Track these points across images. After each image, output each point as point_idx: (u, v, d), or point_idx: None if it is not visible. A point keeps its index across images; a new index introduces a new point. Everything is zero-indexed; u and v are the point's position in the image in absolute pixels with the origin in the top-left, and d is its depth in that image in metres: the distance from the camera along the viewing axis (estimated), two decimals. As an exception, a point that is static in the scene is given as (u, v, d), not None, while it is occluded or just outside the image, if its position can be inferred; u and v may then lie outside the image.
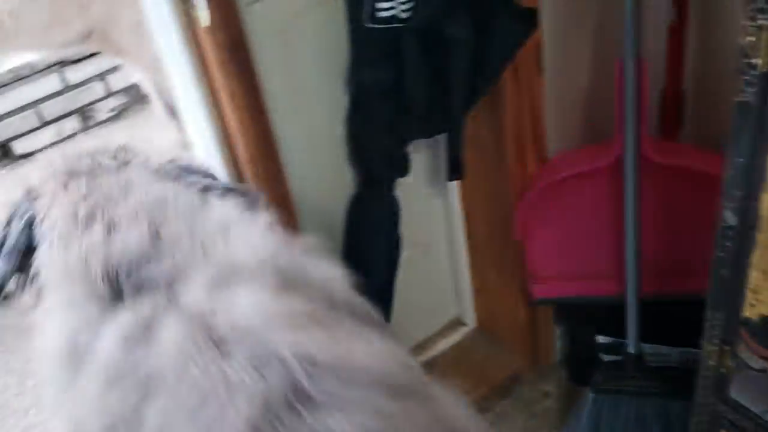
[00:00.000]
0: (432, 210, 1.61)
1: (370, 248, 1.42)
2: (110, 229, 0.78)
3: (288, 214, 1.25)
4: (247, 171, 1.17)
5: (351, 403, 0.62)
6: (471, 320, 1.78)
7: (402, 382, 0.68)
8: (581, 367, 1.64)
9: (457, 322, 1.80)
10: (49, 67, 3.08)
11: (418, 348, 1.74)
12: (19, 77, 3.00)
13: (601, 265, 1.46)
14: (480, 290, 1.72)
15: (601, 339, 1.58)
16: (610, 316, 1.50)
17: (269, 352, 0.63)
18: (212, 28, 1.03)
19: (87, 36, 2.47)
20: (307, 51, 1.24)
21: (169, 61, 1.18)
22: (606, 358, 1.58)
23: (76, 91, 3.14)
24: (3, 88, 3.02)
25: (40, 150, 3.10)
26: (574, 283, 1.49)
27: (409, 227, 1.44)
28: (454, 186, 1.58)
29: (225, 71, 1.06)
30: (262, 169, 1.17)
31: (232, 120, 1.12)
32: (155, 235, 0.77)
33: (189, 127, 1.25)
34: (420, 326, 1.75)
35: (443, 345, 1.77)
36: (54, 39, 2.48)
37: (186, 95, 1.18)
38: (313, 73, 1.27)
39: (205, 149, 1.23)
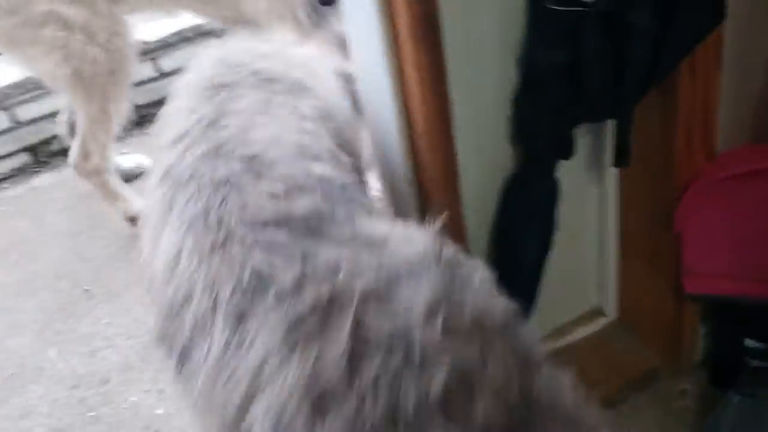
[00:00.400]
0: (586, 195, 1.61)
1: (524, 228, 1.44)
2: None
3: (453, 189, 1.29)
4: (422, 142, 1.22)
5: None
6: (611, 311, 1.77)
7: None
8: (725, 369, 1.61)
9: (596, 312, 1.80)
10: (212, 32, 3.25)
11: (555, 333, 1.75)
12: (184, 39, 3.18)
13: (762, 266, 1.42)
14: (625, 281, 1.71)
15: (750, 343, 1.54)
16: (763, 320, 1.46)
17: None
18: (409, 1, 1.07)
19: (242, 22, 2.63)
20: (485, 27, 1.27)
21: (357, 30, 1.24)
22: (754, 363, 1.54)
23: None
24: (169, 47, 3.22)
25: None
26: (731, 281, 1.46)
27: (560, 210, 1.45)
28: (613, 172, 1.57)
29: (415, 44, 1.11)
30: (435, 142, 1.21)
31: (415, 93, 1.17)
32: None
33: (367, 97, 1.31)
34: (558, 312, 1.75)
35: (580, 333, 1.77)
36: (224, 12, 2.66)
37: (370, 67, 1.24)
38: (488, 50, 1.30)
39: (381, 119, 1.28)
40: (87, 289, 2.51)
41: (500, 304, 0.89)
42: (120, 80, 2.43)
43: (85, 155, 2.53)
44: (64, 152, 3.00)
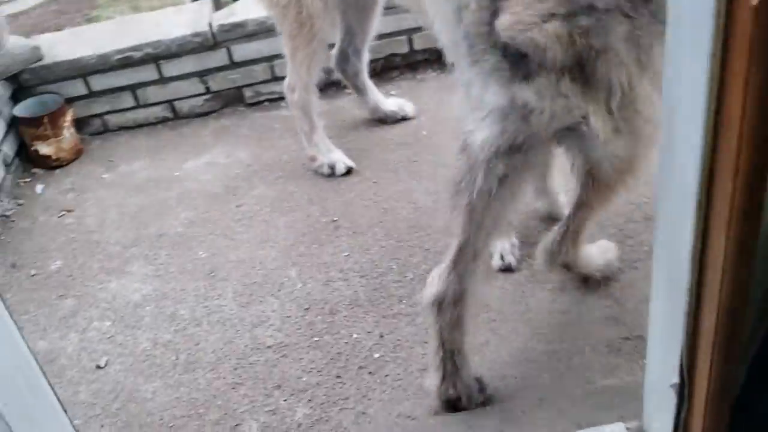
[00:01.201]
0: None
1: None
2: None
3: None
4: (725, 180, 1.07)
5: None
6: None
7: None
8: None
9: None
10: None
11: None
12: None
13: None
14: None
15: None
16: None
17: None
18: (761, 8, 0.92)
19: None
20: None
21: (676, 30, 1.12)
22: None
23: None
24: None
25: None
26: None
27: None
28: None
29: (751, 58, 0.96)
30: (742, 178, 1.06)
31: (733, 115, 1.02)
32: None
33: (669, 112, 1.18)
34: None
35: None
36: None
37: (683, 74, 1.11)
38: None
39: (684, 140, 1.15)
40: (335, 220, 2.63)
41: None
42: (308, 33, 2.67)
43: (291, 89, 2.83)
44: (334, 84, 3.16)
